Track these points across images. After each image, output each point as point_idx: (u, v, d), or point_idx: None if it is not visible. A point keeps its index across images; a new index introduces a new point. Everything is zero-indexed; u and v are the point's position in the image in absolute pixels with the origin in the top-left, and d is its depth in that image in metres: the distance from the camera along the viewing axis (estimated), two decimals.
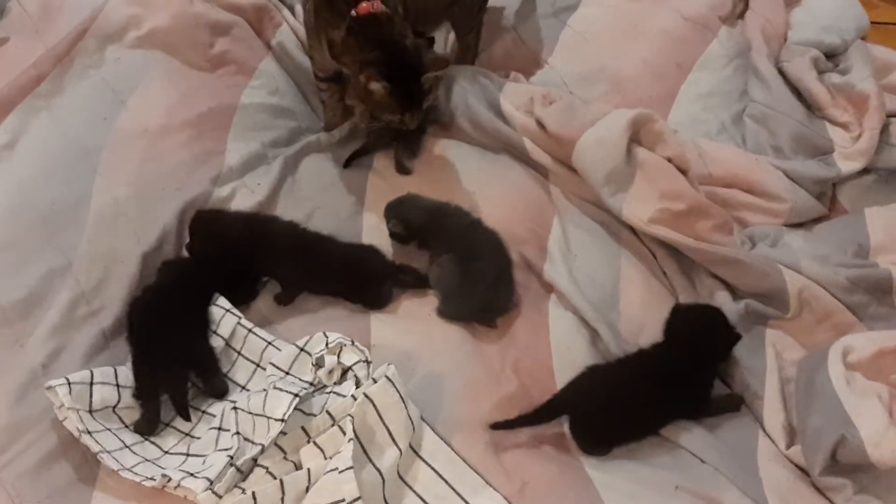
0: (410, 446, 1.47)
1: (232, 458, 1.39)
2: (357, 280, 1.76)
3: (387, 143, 2.02)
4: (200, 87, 2.03)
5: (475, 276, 1.72)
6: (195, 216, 1.81)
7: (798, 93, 2.19)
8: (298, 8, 2.27)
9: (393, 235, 1.84)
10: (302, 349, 1.57)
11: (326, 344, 1.55)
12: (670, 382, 1.59)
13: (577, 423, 1.58)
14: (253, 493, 1.33)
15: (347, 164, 2.03)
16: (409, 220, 1.82)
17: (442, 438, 1.51)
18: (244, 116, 2.04)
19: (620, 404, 1.57)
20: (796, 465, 1.57)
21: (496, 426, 1.55)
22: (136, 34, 2.05)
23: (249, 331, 1.65)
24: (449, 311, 1.74)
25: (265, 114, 2.08)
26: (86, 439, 1.44)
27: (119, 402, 1.52)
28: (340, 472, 1.33)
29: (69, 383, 1.47)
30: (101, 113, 1.93)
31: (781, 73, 2.22)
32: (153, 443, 1.52)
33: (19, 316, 1.62)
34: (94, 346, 1.63)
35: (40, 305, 1.64)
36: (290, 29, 2.21)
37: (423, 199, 1.86)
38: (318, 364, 1.54)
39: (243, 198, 1.91)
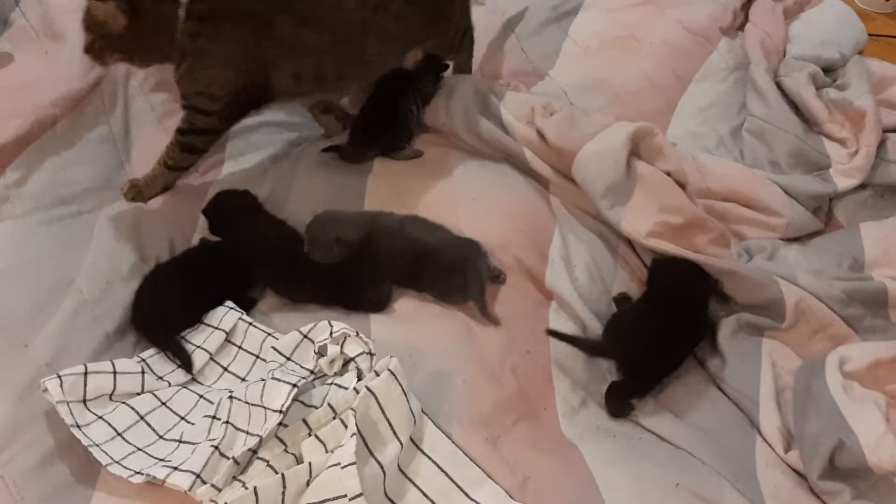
0: (411, 440, 1.46)
1: (217, 448, 1.38)
2: (353, 285, 1.74)
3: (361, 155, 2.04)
4: None
5: (455, 250, 1.75)
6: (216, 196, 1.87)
7: (796, 108, 2.22)
8: None
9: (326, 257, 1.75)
10: (305, 336, 1.57)
11: (331, 333, 1.55)
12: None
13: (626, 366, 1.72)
14: (255, 488, 1.31)
15: (326, 150, 2.05)
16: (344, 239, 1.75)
17: (443, 431, 1.51)
18: (243, 138, 2.08)
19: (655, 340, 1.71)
20: (794, 471, 1.57)
21: (551, 333, 1.72)
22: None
23: (250, 324, 1.66)
24: (477, 290, 1.74)
25: (265, 131, 2.11)
26: (76, 433, 1.44)
27: (115, 389, 1.52)
28: (343, 467, 1.32)
29: (60, 377, 1.47)
30: (107, 165, 2.01)
31: (780, 87, 2.24)
32: (149, 424, 1.51)
33: (23, 321, 1.62)
34: (98, 348, 1.62)
35: (44, 311, 1.65)
36: None
37: (345, 213, 1.83)
38: (321, 353, 1.54)
39: None
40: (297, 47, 1.82)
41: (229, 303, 1.71)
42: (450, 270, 1.73)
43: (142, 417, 1.51)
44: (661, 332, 1.71)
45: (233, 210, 1.84)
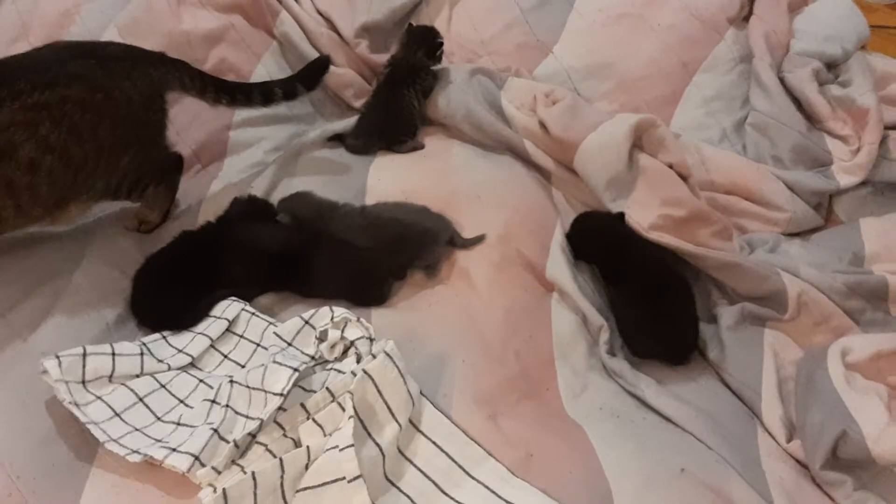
0: (410, 421, 1.46)
1: (216, 431, 1.38)
2: (359, 281, 1.74)
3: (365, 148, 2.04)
4: (197, 115, 2.03)
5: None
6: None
7: (799, 103, 2.21)
8: None
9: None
10: (307, 322, 1.57)
11: (332, 318, 1.54)
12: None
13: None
14: (253, 473, 1.31)
15: (331, 139, 2.06)
16: (298, 214, 1.82)
17: (441, 412, 1.51)
18: (241, 133, 2.07)
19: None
20: (796, 461, 1.56)
21: None
22: None
23: (253, 314, 1.66)
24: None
25: (267, 123, 2.10)
26: (73, 410, 1.43)
27: (113, 371, 1.51)
28: (341, 449, 1.32)
29: (59, 358, 1.46)
30: None
31: (783, 82, 2.23)
32: (147, 406, 1.50)
33: (21, 315, 1.62)
34: (97, 338, 1.61)
35: (42, 306, 1.64)
36: (291, 18, 2.22)
37: (315, 196, 1.85)
38: (322, 338, 1.54)
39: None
40: None
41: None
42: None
43: (140, 399, 1.50)
44: (636, 299, 1.75)
45: (247, 215, 1.83)
